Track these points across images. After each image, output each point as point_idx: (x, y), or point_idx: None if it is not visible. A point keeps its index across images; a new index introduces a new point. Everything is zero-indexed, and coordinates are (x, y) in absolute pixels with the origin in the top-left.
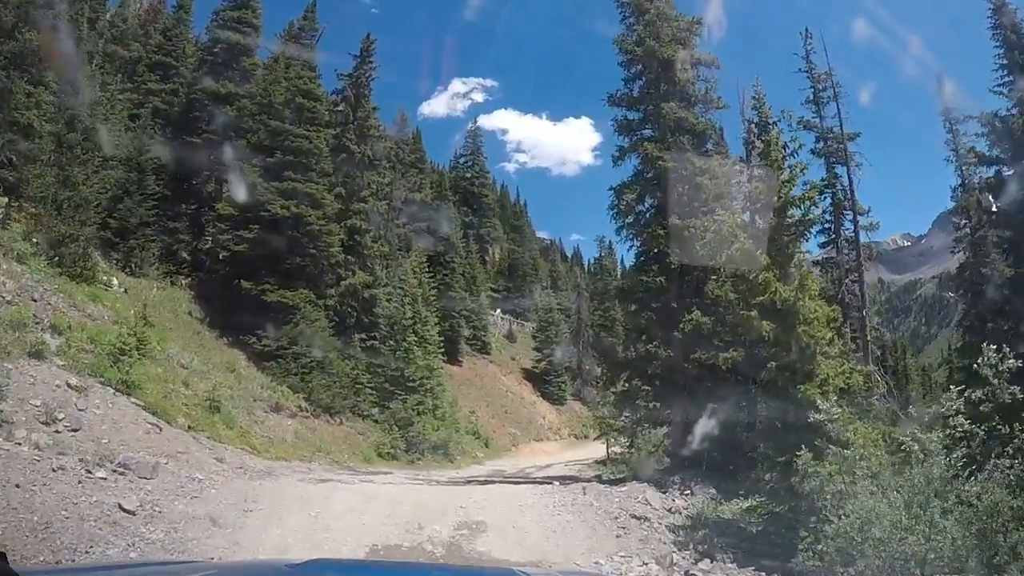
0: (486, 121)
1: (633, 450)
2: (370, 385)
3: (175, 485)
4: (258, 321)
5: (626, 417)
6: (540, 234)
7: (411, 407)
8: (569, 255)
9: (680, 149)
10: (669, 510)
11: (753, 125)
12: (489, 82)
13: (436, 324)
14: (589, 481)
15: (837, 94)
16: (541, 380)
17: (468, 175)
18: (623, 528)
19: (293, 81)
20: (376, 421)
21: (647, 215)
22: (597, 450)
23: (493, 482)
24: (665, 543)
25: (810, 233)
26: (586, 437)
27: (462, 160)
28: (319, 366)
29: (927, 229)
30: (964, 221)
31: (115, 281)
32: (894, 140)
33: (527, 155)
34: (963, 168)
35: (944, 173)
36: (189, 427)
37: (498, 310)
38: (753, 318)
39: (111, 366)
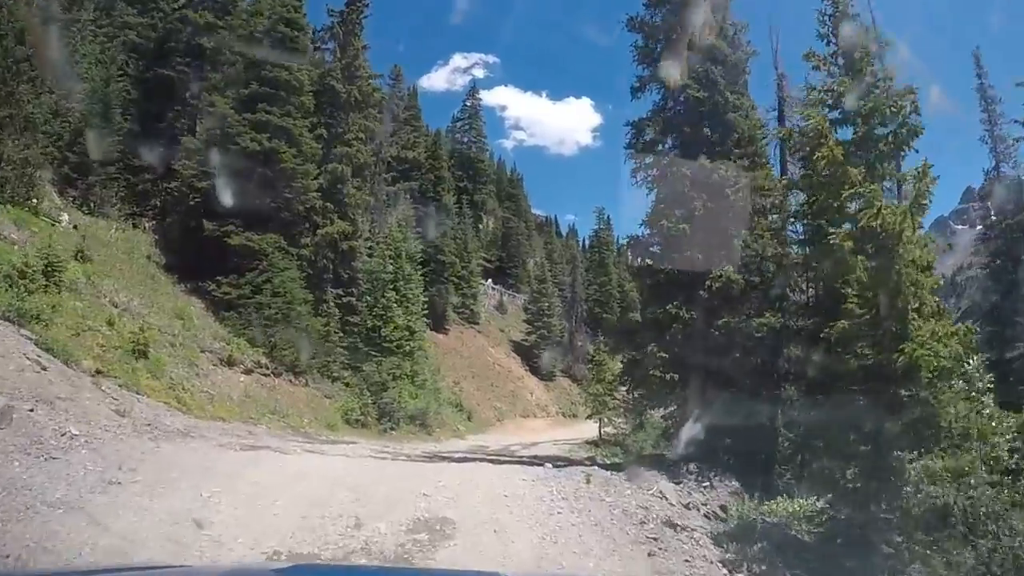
0: (486, 97)
1: (637, 432)
2: (342, 345)
3: (29, 440)
4: (220, 267)
5: (630, 395)
6: (535, 212)
7: (386, 371)
8: (564, 233)
9: (710, 81)
10: (687, 505)
11: (784, 79)
12: (491, 58)
13: (420, 284)
14: (586, 464)
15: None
16: (531, 354)
17: (465, 140)
18: (654, 540)
19: (275, 8)
20: (347, 384)
21: (669, 155)
22: (586, 430)
23: (472, 460)
24: (712, 561)
25: (910, 148)
26: (575, 416)
27: (459, 124)
28: (285, 319)
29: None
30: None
31: (64, 216)
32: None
33: (525, 132)
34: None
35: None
36: (97, 371)
37: (489, 280)
38: (841, 248)
39: (4, 290)
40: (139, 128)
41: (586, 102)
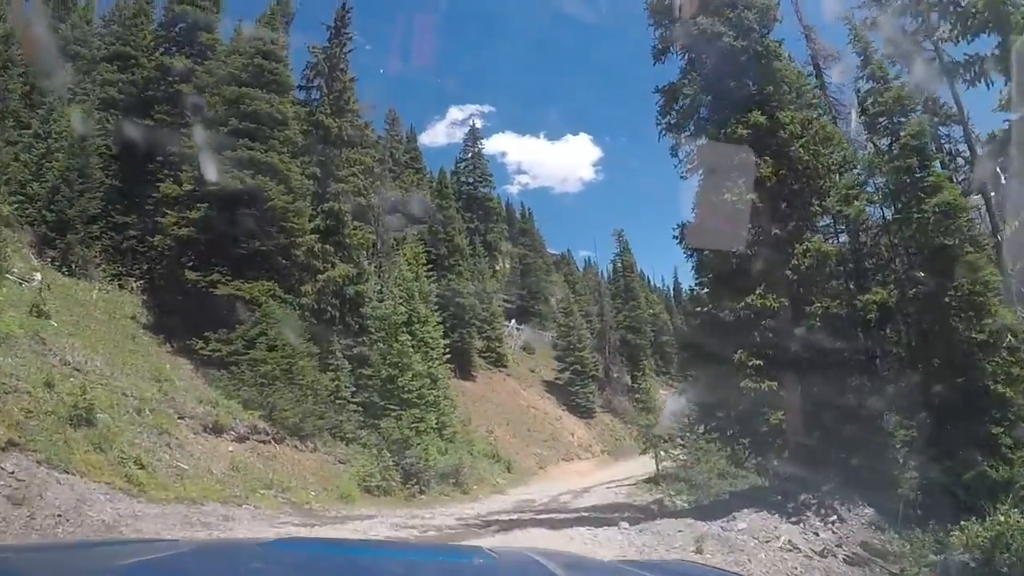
0: (486, 145)
1: (702, 461)
2: (355, 401)
3: None
4: (210, 323)
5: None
6: (550, 251)
7: (408, 425)
8: (582, 268)
9: (745, 28)
10: (821, 553)
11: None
12: (486, 107)
13: (439, 326)
14: (653, 509)
15: None
16: (566, 392)
17: (471, 180)
18: None
19: (253, 43)
20: (364, 446)
21: (711, 117)
22: (638, 467)
23: (521, 523)
24: None
25: None
26: (621, 453)
27: (463, 165)
28: (285, 376)
29: None
30: None
31: (37, 276)
32: None
33: (528, 175)
34: None
35: None
36: (9, 442)
37: (512, 320)
38: None
39: None
40: (121, 184)
41: (584, 138)
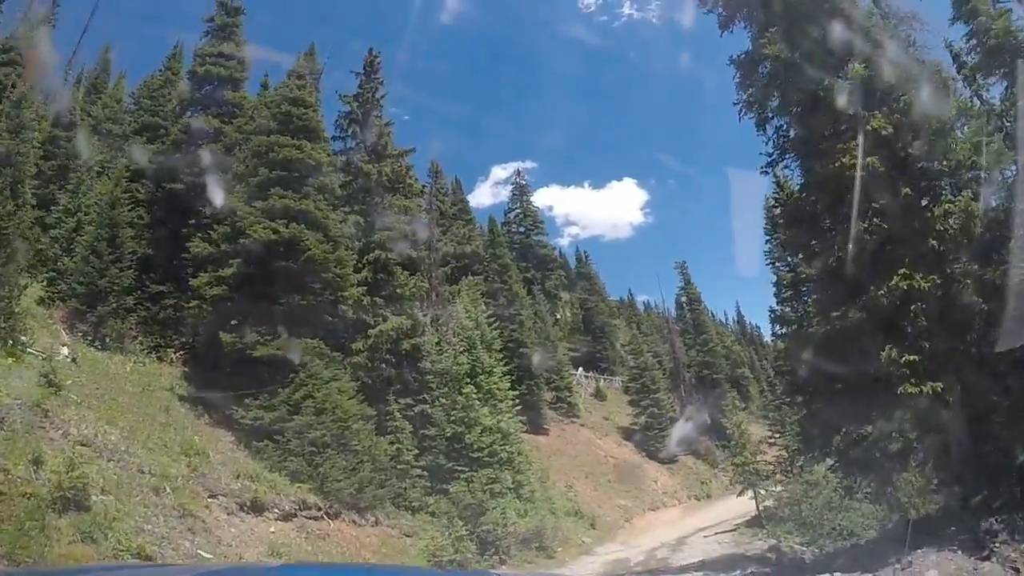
0: (532, 200)
1: (811, 497)
2: (419, 465)
3: None
4: (250, 389)
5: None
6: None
7: (481, 488)
8: (642, 310)
9: None
10: None
11: None
12: (528, 163)
13: (506, 376)
14: (770, 558)
15: None
16: (644, 437)
17: (522, 230)
18: None
19: (280, 91)
20: (432, 515)
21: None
22: (730, 509)
23: None
24: None
25: None
26: (708, 496)
27: (512, 215)
28: (338, 443)
29: None
30: None
31: (64, 350)
32: None
33: (577, 226)
34: None
35: None
36: None
37: (580, 369)
38: None
39: None
40: (153, 252)
41: (629, 182)
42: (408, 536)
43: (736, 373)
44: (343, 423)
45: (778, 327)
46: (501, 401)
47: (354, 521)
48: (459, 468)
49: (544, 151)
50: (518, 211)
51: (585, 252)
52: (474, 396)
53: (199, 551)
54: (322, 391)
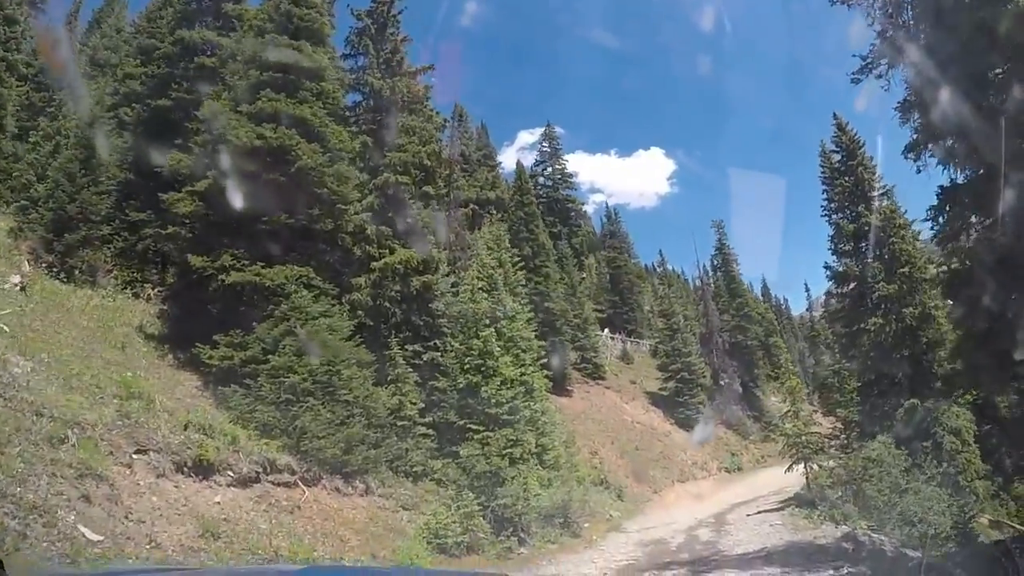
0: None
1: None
2: (424, 422)
3: None
4: (225, 325)
5: None
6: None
7: (498, 451)
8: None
9: None
10: None
11: None
12: (556, 129)
13: (530, 324)
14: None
15: None
16: (672, 404)
17: (550, 183)
18: None
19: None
20: (438, 483)
21: None
22: (764, 483)
23: None
24: None
25: None
26: (740, 469)
27: (540, 167)
28: (324, 391)
29: None
30: None
31: (14, 279)
32: None
33: (603, 193)
34: None
35: None
36: None
37: (606, 330)
38: None
39: None
40: (136, 177)
41: (657, 152)
42: (406, 509)
43: (769, 341)
44: (331, 368)
45: (835, 284)
46: (525, 352)
47: (337, 489)
48: (473, 427)
49: (571, 117)
50: (546, 164)
51: (614, 209)
52: (494, 341)
53: (82, 528)
54: (307, 327)
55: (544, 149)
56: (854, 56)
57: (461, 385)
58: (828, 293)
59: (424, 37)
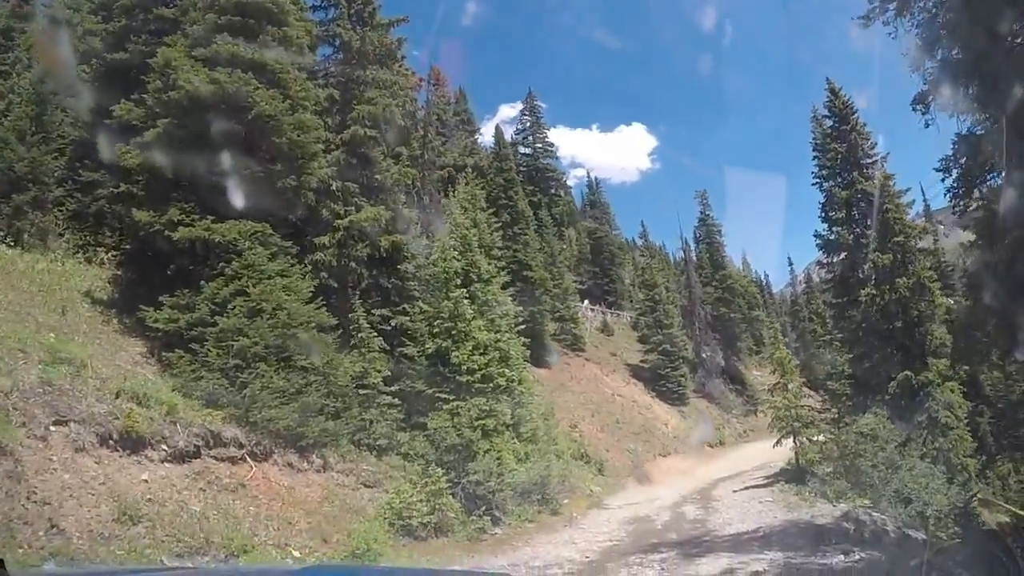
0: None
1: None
2: (390, 391)
3: None
4: (177, 286)
5: None
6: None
7: (470, 423)
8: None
9: None
10: None
11: None
12: (537, 103)
13: (507, 290)
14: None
15: None
16: (654, 377)
17: (530, 152)
18: None
19: None
20: (405, 457)
21: None
22: (748, 458)
23: None
24: None
25: None
26: (721, 444)
27: (521, 136)
28: (277, 357)
29: None
30: None
31: None
32: None
33: (583, 169)
34: None
35: None
36: None
37: (586, 301)
38: None
39: None
40: (90, 137)
41: (638, 127)
42: (368, 487)
43: (751, 315)
44: (287, 330)
45: (825, 253)
46: (501, 318)
47: (290, 464)
48: (442, 396)
49: (554, 91)
50: (527, 133)
51: (596, 179)
52: (466, 304)
53: None
54: (260, 287)
55: (525, 117)
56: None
57: (430, 351)
58: (818, 263)
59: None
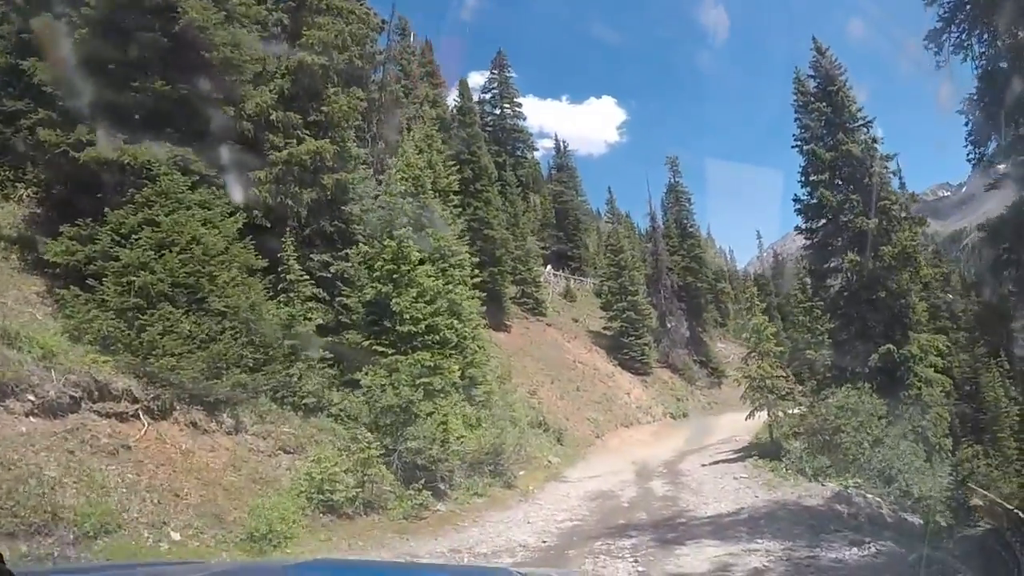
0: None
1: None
2: (321, 343)
3: None
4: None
5: None
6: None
7: (410, 380)
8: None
9: None
10: None
11: None
12: (507, 72)
13: (463, 240)
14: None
15: None
16: (617, 344)
17: (497, 112)
18: None
19: None
20: (335, 418)
21: None
22: (709, 432)
23: None
24: None
25: None
26: (685, 415)
27: (488, 95)
28: (189, 298)
29: (967, 176)
30: None
31: None
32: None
33: (551, 139)
34: None
35: None
36: None
37: (548, 267)
38: None
39: None
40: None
41: (608, 100)
42: (288, 452)
43: (717, 287)
44: (202, 268)
45: (805, 218)
46: (455, 268)
47: (195, 424)
48: (380, 349)
49: (525, 60)
50: (494, 92)
51: (564, 142)
52: (412, 245)
53: None
54: (174, 217)
55: (493, 77)
56: None
57: (369, 297)
58: (796, 228)
59: None
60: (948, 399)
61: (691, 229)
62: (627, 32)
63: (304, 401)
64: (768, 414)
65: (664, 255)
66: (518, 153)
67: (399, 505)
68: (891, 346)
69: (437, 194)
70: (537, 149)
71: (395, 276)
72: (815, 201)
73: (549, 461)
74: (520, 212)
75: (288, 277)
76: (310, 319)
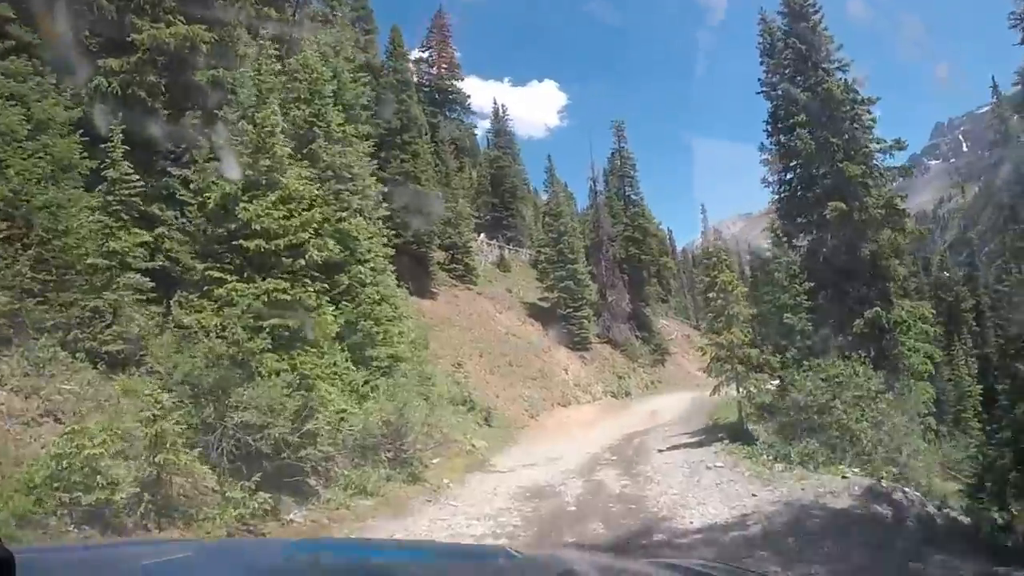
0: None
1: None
2: (144, 268)
3: None
4: None
5: None
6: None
7: (252, 323)
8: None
9: None
10: None
11: None
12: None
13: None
14: None
15: None
16: (554, 317)
17: (433, 70)
18: None
19: None
20: (152, 372)
21: None
22: (654, 412)
23: None
24: None
25: None
26: (628, 395)
27: (427, 54)
28: None
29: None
30: None
31: None
32: None
33: (489, 121)
34: None
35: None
36: None
37: (482, 235)
38: None
39: None
40: None
41: (550, 84)
42: (59, 421)
43: (661, 261)
44: None
45: (775, 170)
46: (353, 194)
47: None
48: (218, 275)
49: (467, 40)
50: (432, 50)
51: (503, 107)
52: (278, 125)
53: None
54: None
55: (432, 34)
56: None
57: (213, 203)
58: (763, 180)
59: None
60: (937, 372)
61: (635, 198)
62: (575, 14)
63: (107, 348)
64: (737, 389)
65: (606, 223)
66: (455, 116)
67: (223, 512)
68: (879, 310)
69: (341, 109)
70: (475, 125)
71: (248, 173)
72: (793, 143)
73: (473, 445)
74: (452, 171)
75: (109, 175)
76: (134, 233)
